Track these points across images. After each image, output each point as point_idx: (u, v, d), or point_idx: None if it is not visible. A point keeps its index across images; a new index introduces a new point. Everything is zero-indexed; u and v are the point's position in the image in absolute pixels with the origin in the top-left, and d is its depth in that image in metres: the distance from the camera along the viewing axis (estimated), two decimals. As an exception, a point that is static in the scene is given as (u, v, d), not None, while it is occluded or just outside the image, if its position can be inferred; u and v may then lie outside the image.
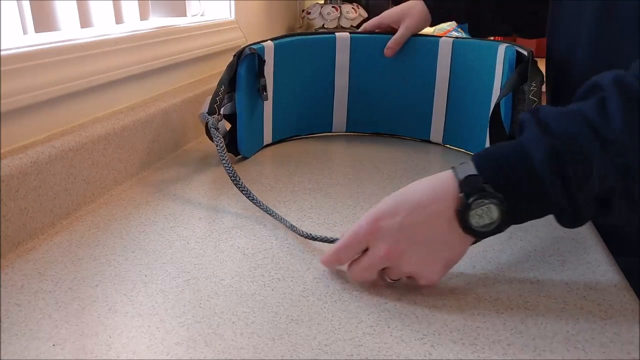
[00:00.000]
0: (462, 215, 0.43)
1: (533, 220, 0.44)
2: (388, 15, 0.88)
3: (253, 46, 0.79)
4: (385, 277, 0.48)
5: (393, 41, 0.86)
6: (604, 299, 0.46)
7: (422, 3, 0.86)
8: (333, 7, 1.41)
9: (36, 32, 0.63)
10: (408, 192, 0.46)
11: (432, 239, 0.44)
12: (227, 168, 0.62)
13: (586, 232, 0.59)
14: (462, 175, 0.44)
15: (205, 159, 0.81)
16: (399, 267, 0.45)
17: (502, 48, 0.76)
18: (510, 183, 0.43)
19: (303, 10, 1.49)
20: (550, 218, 0.44)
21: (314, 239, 0.55)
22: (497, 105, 0.72)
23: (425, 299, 0.46)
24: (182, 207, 0.64)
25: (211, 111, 0.72)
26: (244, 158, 0.82)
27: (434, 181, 0.45)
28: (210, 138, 0.73)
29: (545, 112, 0.44)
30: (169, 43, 0.84)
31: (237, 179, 0.61)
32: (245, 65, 0.76)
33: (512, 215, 0.43)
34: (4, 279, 0.49)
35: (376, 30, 0.90)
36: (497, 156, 0.44)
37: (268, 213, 0.60)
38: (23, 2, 0.61)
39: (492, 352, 0.40)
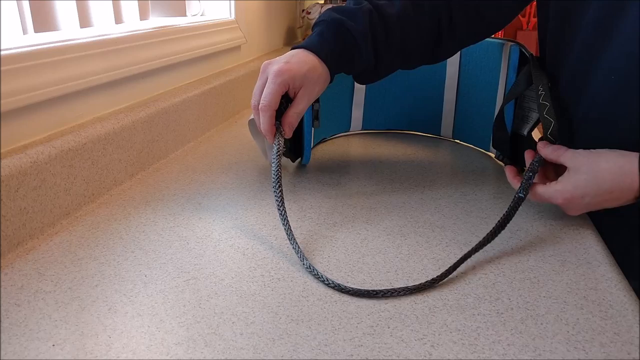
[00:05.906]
0: None
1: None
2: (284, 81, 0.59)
3: None
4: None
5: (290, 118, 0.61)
6: (604, 299, 0.46)
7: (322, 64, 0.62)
8: (333, 7, 1.42)
9: (36, 32, 0.63)
10: (598, 180, 0.54)
11: (606, 205, 0.55)
12: (276, 196, 0.57)
13: (586, 232, 0.59)
14: None
15: (206, 159, 0.81)
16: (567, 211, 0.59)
17: (507, 46, 0.78)
18: None
19: (303, 10, 1.49)
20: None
21: (345, 290, 0.47)
22: (502, 110, 0.73)
23: (425, 299, 0.46)
24: (182, 207, 0.64)
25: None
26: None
27: (621, 175, 0.53)
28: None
29: None
30: (168, 43, 0.84)
31: (282, 209, 0.56)
32: None
33: None
34: (3, 279, 0.49)
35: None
36: None
37: (297, 255, 0.53)
38: (23, 2, 0.61)
39: (492, 352, 0.40)
